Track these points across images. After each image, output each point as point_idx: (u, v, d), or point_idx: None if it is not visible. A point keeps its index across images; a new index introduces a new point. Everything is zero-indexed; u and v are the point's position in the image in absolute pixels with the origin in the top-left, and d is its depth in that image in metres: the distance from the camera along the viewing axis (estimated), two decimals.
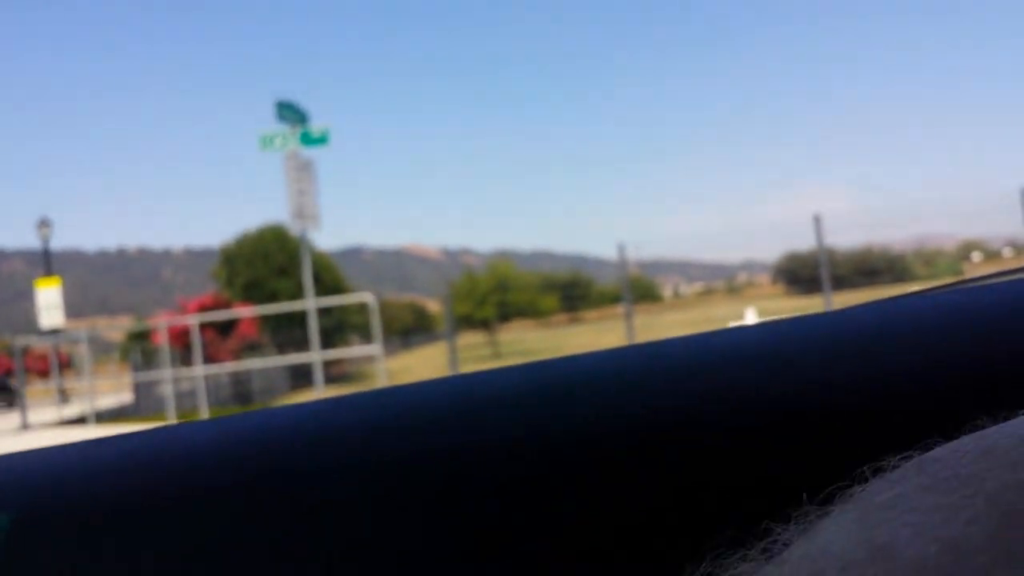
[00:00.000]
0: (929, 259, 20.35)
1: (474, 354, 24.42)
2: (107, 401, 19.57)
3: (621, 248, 14.57)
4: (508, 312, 23.92)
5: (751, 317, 12.92)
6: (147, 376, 17.33)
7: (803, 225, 14.34)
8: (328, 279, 34.47)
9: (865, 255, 15.78)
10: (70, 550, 0.36)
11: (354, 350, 22.02)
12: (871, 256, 15.74)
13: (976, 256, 20.50)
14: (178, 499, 0.37)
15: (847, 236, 14.98)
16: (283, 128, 10.63)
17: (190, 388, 17.38)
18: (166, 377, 14.33)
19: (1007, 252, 19.85)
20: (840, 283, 15.29)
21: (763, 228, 14.33)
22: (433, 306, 55.18)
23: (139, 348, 21.01)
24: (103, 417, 16.75)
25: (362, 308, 31.88)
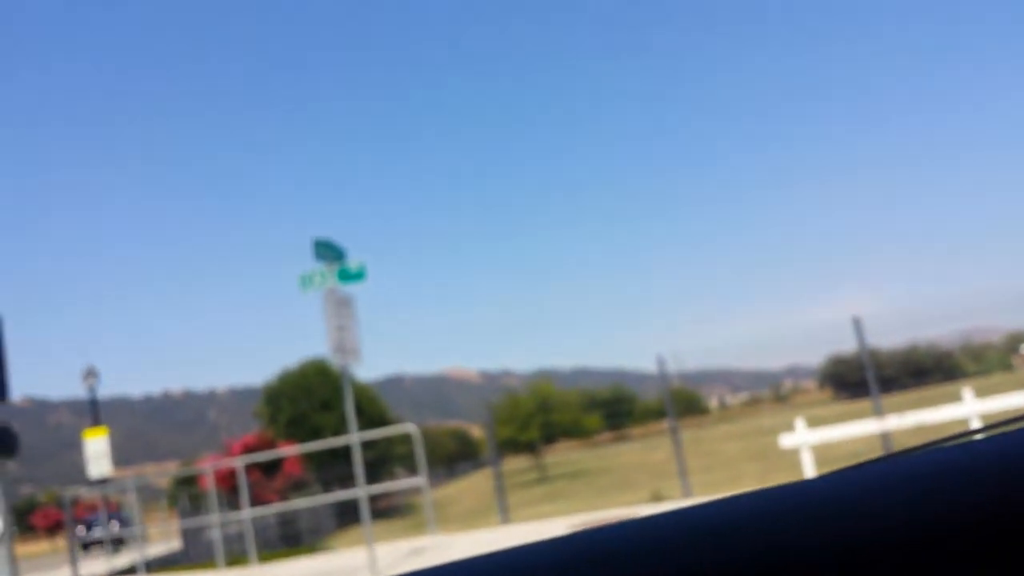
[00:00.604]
0: (977, 354, 19.88)
1: (521, 479, 24.04)
2: (157, 549, 19.46)
3: (661, 361, 14.49)
4: (552, 432, 23.66)
5: (801, 427, 12.66)
6: (195, 522, 17.26)
7: (845, 328, 14.23)
8: (370, 410, 34.49)
9: (911, 354, 15.50)
10: None
11: (399, 483, 21.79)
12: (917, 354, 15.47)
13: None
14: None
15: (891, 337, 14.86)
16: (321, 266, 10.85)
17: (238, 531, 17.26)
18: (214, 522, 14.27)
19: None
20: (888, 384, 15.00)
21: (805, 333, 14.25)
22: (476, 431, 54.69)
23: (186, 493, 21.03)
24: (153, 565, 16.63)
25: (405, 438, 31.75)
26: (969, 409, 10.36)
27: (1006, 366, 19.63)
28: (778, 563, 0.37)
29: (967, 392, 11.09)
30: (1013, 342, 20.17)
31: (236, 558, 14.13)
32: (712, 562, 0.38)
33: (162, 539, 22.08)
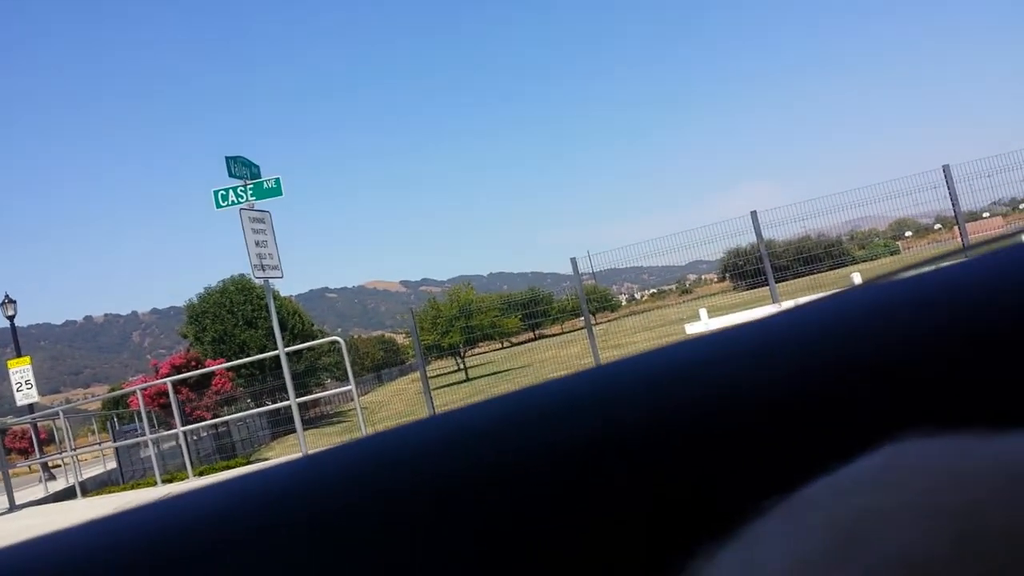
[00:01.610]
0: (864, 241, 21.29)
1: (446, 381, 24.93)
2: (92, 471, 19.73)
3: (574, 262, 15.26)
4: (473, 336, 24.45)
5: (704, 315, 13.65)
6: (128, 441, 17.56)
7: (743, 222, 15.17)
8: (296, 323, 34.77)
9: (803, 243, 16.60)
10: None
11: (329, 392, 22.38)
12: (809, 244, 16.56)
13: (908, 233, 21.48)
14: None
15: (785, 229, 15.80)
16: (235, 183, 10.95)
17: (172, 448, 17.65)
18: (147, 440, 14.64)
19: (937, 227, 20.87)
20: (783, 272, 16.10)
21: (707, 230, 15.04)
22: (401, 339, 55.39)
23: (117, 415, 21.21)
24: (90, 487, 16.97)
25: (333, 349, 32.17)
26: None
27: (893, 251, 21.08)
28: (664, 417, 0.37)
29: (855, 275, 12.16)
30: (898, 228, 21.62)
31: (173, 474, 14.57)
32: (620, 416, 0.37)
33: (96, 461, 22.31)
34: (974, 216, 20.99)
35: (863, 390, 0.35)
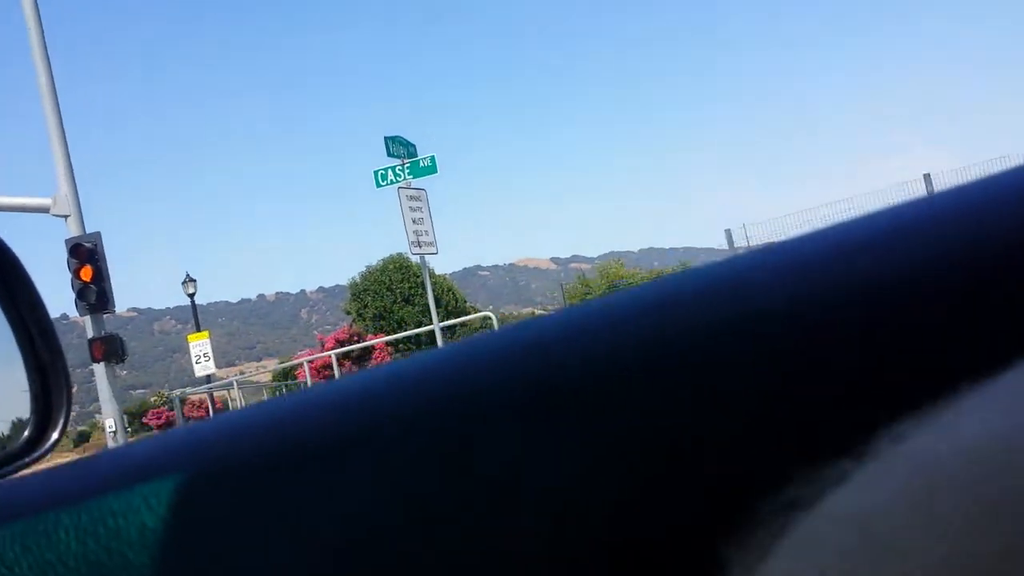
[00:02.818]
0: None
1: None
2: None
3: (728, 233, 14.76)
4: None
5: None
6: None
7: (915, 186, 14.14)
8: (450, 300, 35.64)
9: None
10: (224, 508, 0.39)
11: None
12: None
13: None
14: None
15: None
16: (394, 162, 11.24)
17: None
18: None
19: None
20: None
21: (874, 195, 14.03)
22: None
23: (286, 386, 22.44)
24: None
25: (485, 324, 32.77)
26: None
27: None
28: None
29: None
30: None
31: None
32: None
33: None
34: None
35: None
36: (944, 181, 13.66)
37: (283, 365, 22.62)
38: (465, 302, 40.65)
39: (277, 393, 22.68)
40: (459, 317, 29.59)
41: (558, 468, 0.35)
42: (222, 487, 0.40)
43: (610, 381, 0.36)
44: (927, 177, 13.49)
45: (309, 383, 15.03)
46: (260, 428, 0.44)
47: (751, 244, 16.27)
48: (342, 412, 0.42)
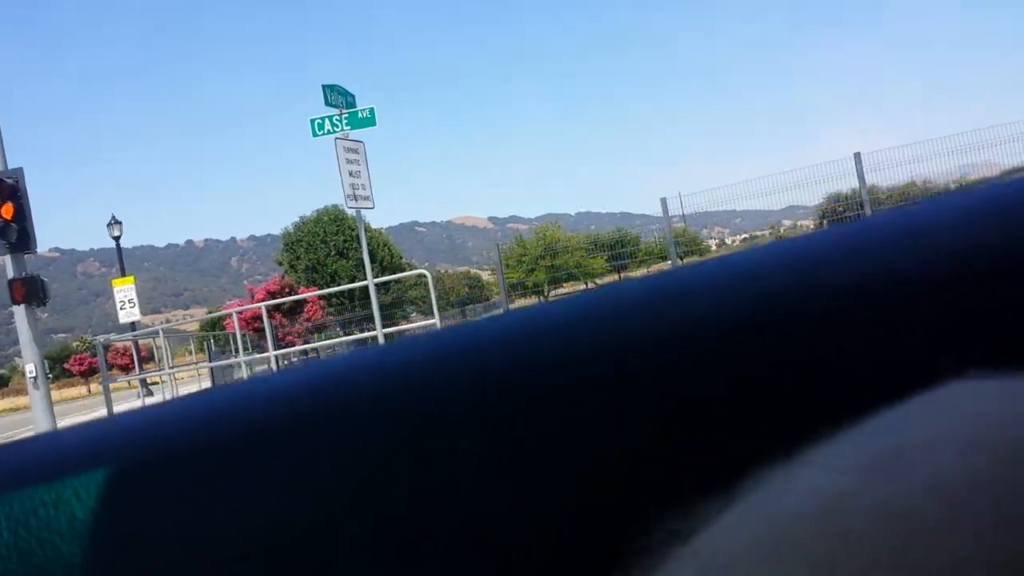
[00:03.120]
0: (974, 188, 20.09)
1: None
2: (188, 389, 20.64)
3: (664, 203, 14.92)
4: (558, 275, 24.40)
5: None
6: (222, 362, 18.25)
7: (844, 164, 14.49)
8: (385, 255, 35.39)
9: (908, 190, 15.81)
10: (167, 500, 0.39)
11: (414, 324, 22.73)
12: (914, 190, 15.76)
13: None
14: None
15: (888, 173, 15.01)
16: (331, 112, 11.02)
17: (264, 371, 18.29)
18: (240, 361, 15.17)
19: None
20: None
21: (804, 171, 14.38)
22: (487, 275, 55.86)
23: (213, 336, 22.06)
24: None
25: (420, 282, 32.65)
26: None
27: None
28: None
29: None
30: (1010, 176, 20.35)
31: None
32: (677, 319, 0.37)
33: (192, 380, 23.32)
34: None
35: (922, 321, 0.33)
36: (874, 160, 14.05)
37: (211, 315, 22.25)
38: (401, 258, 40.43)
39: (204, 343, 22.29)
40: (394, 273, 29.43)
41: (440, 477, 0.36)
42: (152, 479, 0.41)
43: (491, 397, 0.37)
44: (857, 156, 13.86)
45: (238, 334, 14.82)
46: (190, 420, 0.44)
47: (685, 213, 16.51)
48: (264, 408, 0.42)
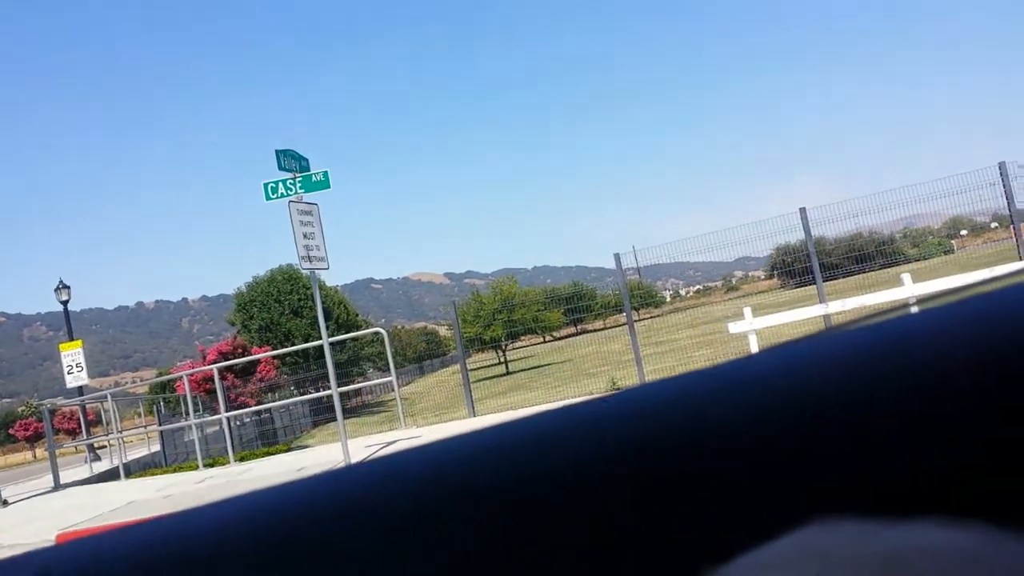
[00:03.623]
0: (918, 239, 20.76)
1: (487, 374, 24.94)
2: (137, 453, 20.09)
3: (617, 257, 15.09)
4: (515, 329, 24.41)
5: (748, 313, 13.40)
6: (173, 425, 17.85)
7: (791, 218, 14.84)
8: (341, 313, 35.11)
9: (854, 241, 16.21)
10: None
11: (371, 381, 22.49)
12: (860, 242, 16.17)
13: (964, 232, 20.89)
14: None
15: (836, 226, 15.40)
16: (285, 176, 11.05)
17: (215, 432, 17.90)
18: (191, 424, 14.86)
19: (994, 225, 20.27)
20: (832, 271, 15.73)
21: (754, 225, 14.87)
22: (444, 331, 55.76)
23: (163, 399, 21.58)
24: (133, 468, 17.28)
25: (376, 338, 32.40)
26: (908, 291, 11.06)
27: (947, 250, 20.52)
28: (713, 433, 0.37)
29: (906, 276, 11.87)
30: (953, 226, 21.05)
31: (215, 458, 14.76)
32: (651, 436, 0.38)
33: (141, 444, 22.74)
34: None
35: (784, 462, 0.35)
36: (817, 215, 14.40)
37: (161, 377, 21.78)
38: (357, 315, 40.13)
39: (153, 406, 21.79)
40: (350, 331, 29.20)
41: None
42: None
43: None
44: (802, 211, 14.21)
45: (188, 396, 14.53)
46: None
47: (640, 266, 16.71)
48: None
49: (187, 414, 14.93)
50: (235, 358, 18.79)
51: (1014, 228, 13.09)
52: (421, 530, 0.38)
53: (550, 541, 0.36)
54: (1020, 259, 12.89)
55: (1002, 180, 13.21)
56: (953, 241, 20.64)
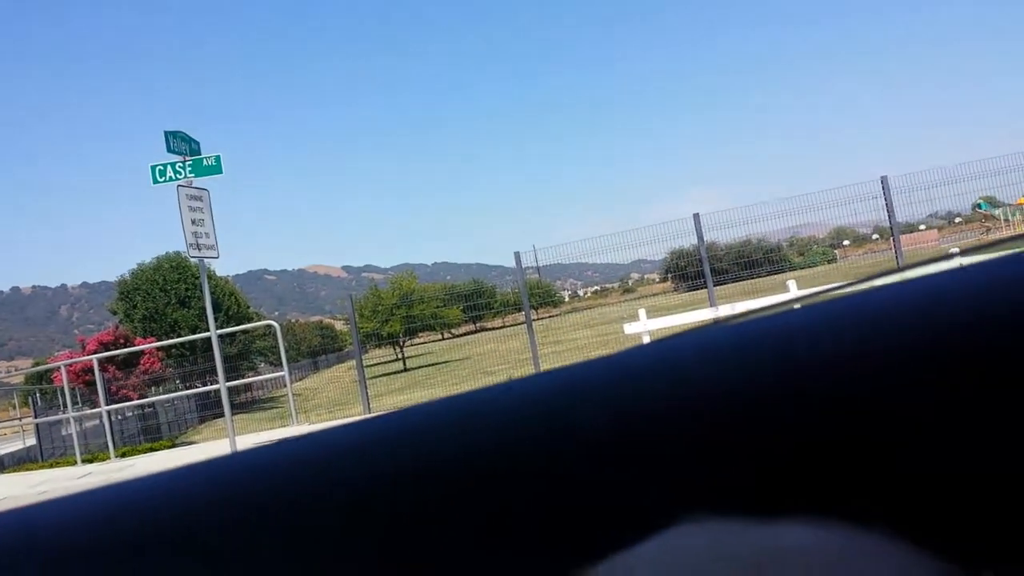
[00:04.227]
0: (803, 248, 21.70)
1: (383, 370, 24.67)
2: (11, 447, 19.02)
3: (517, 256, 15.17)
4: (414, 325, 24.24)
5: (643, 315, 13.68)
6: (49, 418, 16.99)
7: (686, 223, 15.27)
8: (231, 305, 34.05)
9: (744, 247, 16.80)
10: None
11: (261, 376, 21.93)
12: (750, 248, 16.77)
13: (846, 242, 21.96)
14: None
15: (728, 232, 15.95)
16: (174, 159, 10.63)
17: (95, 427, 17.10)
18: (69, 417, 14.16)
19: (875, 237, 21.37)
20: (723, 275, 16.26)
21: (650, 229, 15.29)
22: (340, 325, 54.89)
23: (40, 390, 20.47)
24: (7, 463, 16.34)
25: (268, 332, 31.58)
26: (792, 296, 11.60)
27: (830, 259, 21.50)
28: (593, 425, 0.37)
29: (791, 282, 12.37)
30: (836, 236, 22.08)
31: (94, 454, 14.11)
32: (543, 426, 0.38)
33: (15, 437, 21.53)
34: (911, 227, 21.55)
35: (648, 467, 0.35)
36: (710, 220, 14.85)
37: (38, 367, 20.59)
38: (248, 307, 39.01)
39: (29, 398, 20.63)
40: (241, 323, 28.34)
41: None
42: None
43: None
44: (696, 216, 14.61)
45: (66, 388, 13.81)
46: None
47: (540, 265, 16.84)
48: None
49: (65, 407, 14.22)
50: (117, 349, 17.98)
51: (894, 239, 13.81)
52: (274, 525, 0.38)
53: (402, 545, 0.36)
54: (899, 269, 13.63)
55: (883, 193, 13.92)
56: (836, 251, 21.67)
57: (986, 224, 23.91)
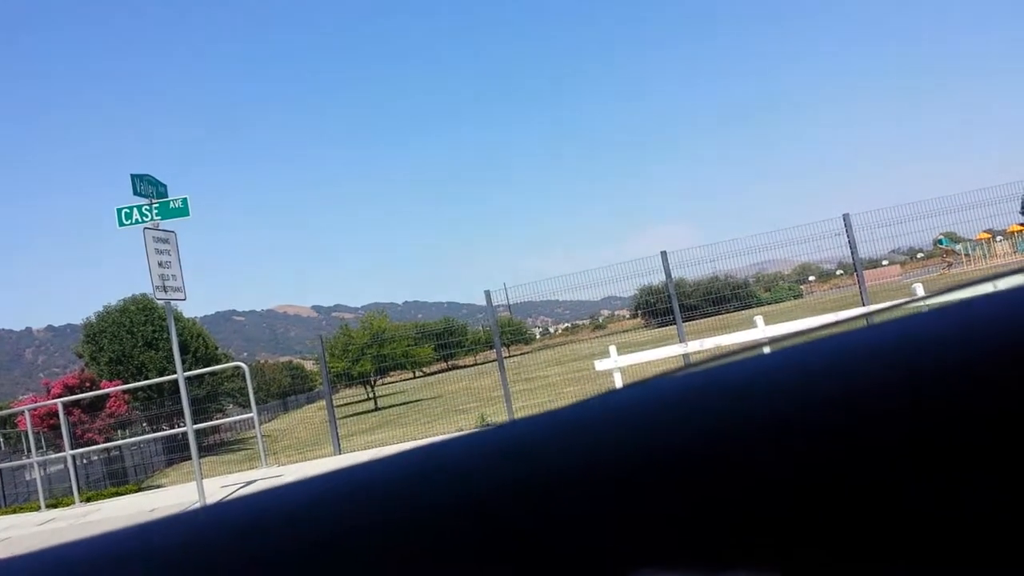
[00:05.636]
0: (770, 284, 22.03)
1: (354, 410, 24.49)
2: None
3: (488, 294, 15.23)
4: (385, 365, 24.14)
5: (613, 352, 13.76)
6: (13, 463, 16.65)
7: (654, 261, 15.45)
8: (199, 346, 33.69)
9: (712, 284, 17.01)
10: None
11: (229, 418, 21.65)
12: (717, 284, 16.98)
13: (812, 278, 22.34)
14: None
15: (695, 269, 16.15)
16: (140, 202, 10.58)
17: (60, 471, 16.78)
18: (33, 462, 13.89)
19: (839, 272, 21.74)
20: (691, 311, 16.42)
21: (620, 266, 15.50)
22: (311, 365, 54.41)
23: (3, 435, 20.07)
24: None
25: (237, 373, 31.26)
26: (760, 333, 11.72)
27: (796, 294, 21.81)
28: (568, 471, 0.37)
29: (759, 318, 12.54)
30: (802, 272, 22.43)
31: (58, 499, 13.84)
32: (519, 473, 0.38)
33: None
34: (874, 263, 21.94)
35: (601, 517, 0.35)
36: (677, 258, 15.04)
37: (1, 412, 20.13)
38: (217, 348, 38.60)
39: None
40: (209, 364, 28.04)
41: None
42: None
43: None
44: (663, 254, 14.80)
45: (30, 432, 13.56)
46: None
47: (511, 303, 16.90)
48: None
49: (29, 451, 13.95)
50: (83, 392, 17.71)
51: (857, 275, 14.07)
52: None
53: None
54: (863, 304, 13.84)
55: (846, 230, 14.20)
56: (802, 286, 22.00)
57: (947, 259, 24.44)
